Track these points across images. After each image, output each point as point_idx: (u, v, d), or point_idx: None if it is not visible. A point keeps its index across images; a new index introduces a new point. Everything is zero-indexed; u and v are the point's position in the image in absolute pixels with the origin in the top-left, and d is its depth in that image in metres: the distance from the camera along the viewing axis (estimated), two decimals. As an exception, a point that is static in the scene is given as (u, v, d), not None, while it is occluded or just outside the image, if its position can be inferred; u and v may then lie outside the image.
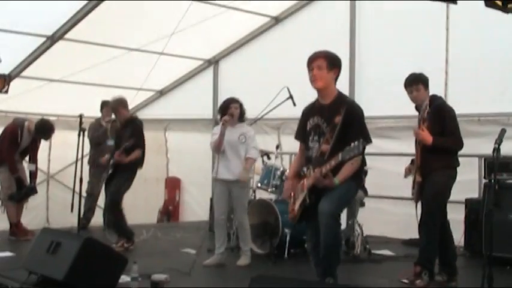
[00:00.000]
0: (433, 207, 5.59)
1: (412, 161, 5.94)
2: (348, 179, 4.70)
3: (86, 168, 7.16)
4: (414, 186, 5.77)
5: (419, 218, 5.72)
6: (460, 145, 5.69)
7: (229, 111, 6.77)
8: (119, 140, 7.67)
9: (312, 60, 4.84)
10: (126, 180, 7.60)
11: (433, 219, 5.59)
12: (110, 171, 7.63)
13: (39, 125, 8.35)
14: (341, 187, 4.65)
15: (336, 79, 4.92)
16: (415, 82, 5.76)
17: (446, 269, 5.79)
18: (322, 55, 4.85)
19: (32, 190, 8.53)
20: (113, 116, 8.51)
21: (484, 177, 7.13)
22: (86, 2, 8.21)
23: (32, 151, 8.55)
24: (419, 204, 5.73)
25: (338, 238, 4.83)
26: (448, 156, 5.66)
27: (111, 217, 7.62)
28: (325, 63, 4.81)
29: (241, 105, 6.88)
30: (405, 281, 5.66)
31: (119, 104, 7.76)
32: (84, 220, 8.86)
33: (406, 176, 6.14)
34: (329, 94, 4.87)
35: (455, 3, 5.77)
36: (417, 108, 5.79)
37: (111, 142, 9.57)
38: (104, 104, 9.41)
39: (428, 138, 5.48)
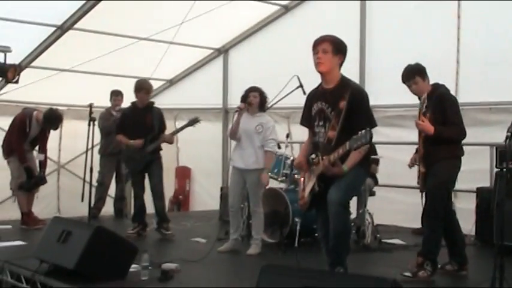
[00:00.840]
0: (435, 198, 5.53)
1: (417, 150, 5.89)
2: (356, 166, 4.68)
3: (96, 157, 7.20)
4: (419, 176, 5.72)
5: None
6: (463, 134, 5.59)
7: (248, 99, 6.77)
8: (137, 124, 7.63)
9: (317, 44, 4.79)
10: (162, 167, 7.82)
11: (435, 210, 5.53)
12: (144, 160, 7.61)
13: (47, 114, 8.36)
14: (349, 174, 4.63)
15: (340, 65, 4.87)
16: (411, 76, 5.65)
17: (456, 258, 5.77)
18: (328, 39, 4.80)
19: (42, 180, 8.57)
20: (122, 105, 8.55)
21: (496, 166, 7.08)
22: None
23: (41, 141, 8.57)
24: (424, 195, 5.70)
25: (347, 226, 4.82)
26: (451, 146, 5.55)
27: (161, 204, 7.82)
28: (330, 47, 4.76)
29: (261, 94, 6.86)
30: (407, 274, 5.56)
31: (150, 87, 7.88)
32: (95, 209, 8.90)
33: (411, 165, 6.11)
34: (333, 79, 4.83)
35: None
36: (420, 98, 5.72)
37: None
38: (113, 94, 9.43)
39: (429, 128, 5.39)
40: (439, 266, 5.67)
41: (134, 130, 7.63)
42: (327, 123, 4.76)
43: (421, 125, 5.43)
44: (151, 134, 7.60)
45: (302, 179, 5.04)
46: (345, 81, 4.85)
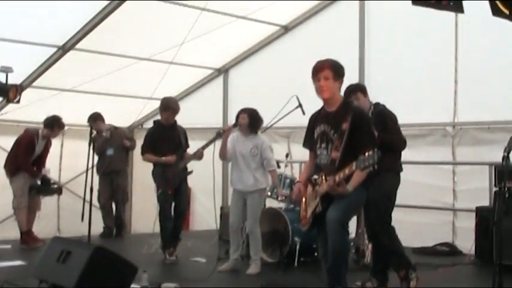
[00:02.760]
0: (380, 209, 5.64)
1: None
2: (357, 186, 4.71)
3: (97, 177, 7.20)
4: None
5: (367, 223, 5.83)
6: (404, 144, 5.85)
7: (237, 122, 6.84)
8: (167, 142, 7.52)
9: (317, 71, 4.84)
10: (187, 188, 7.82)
11: (383, 218, 5.67)
12: (178, 178, 7.53)
13: (48, 122, 8.62)
14: (350, 194, 4.65)
15: (340, 88, 4.94)
16: (353, 92, 5.85)
17: (377, 275, 5.84)
18: (328, 65, 4.84)
19: (59, 190, 8.97)
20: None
21: (495, 185, 7.10)
22: (97, 12, 8.27)
23: (43, 157, 8.77)
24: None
25: (346, 246, 4.83)
26: (391, 158, 5.69)
27: (181, 226, 7.77)
28: (331, 74, 4.81)
29: (251, 115, 6.90)
30: None
31: (178, 108, 7.77)
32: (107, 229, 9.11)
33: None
34: (335, 102, 4.89)
35: (463, 12, 5.76)
36: None
37: (110, 151, 9.70)
38: (91, 120, 9.46)
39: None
40: (358, 283, 5.80)
41: (164, 148, 7.46)
42: (330, 145, 4.80)
43: None
44: (180, 151, 7.54)
45: (304, 199, 5.06)
46: (347, 104, 4.94)
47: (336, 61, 4.92)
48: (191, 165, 7.69)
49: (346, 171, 4.53)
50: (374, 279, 5.85)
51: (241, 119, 6.86)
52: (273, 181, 7.04)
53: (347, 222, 4.81)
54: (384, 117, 5.76)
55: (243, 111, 6.92)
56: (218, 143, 7.08)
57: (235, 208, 6.96)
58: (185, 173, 7.60)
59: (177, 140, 7.56)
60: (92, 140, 7.08)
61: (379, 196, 5.57)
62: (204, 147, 7.35)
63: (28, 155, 8.47)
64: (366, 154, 4.32)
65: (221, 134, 7.04)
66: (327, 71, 4.81)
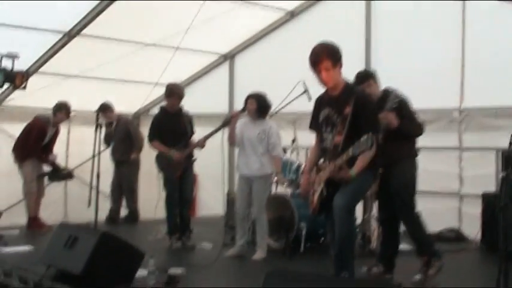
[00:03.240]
0: (405, 197, 5.66)
1: None
2: (363, 170, 4.72)
3: (103, 163, 7.19)
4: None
5: (380, 208, 5.92)
6: (422, 130, 5.82)
7: (245, 107, 6.85)
8: (173, 130, 7.47)
9: (316, 63, 4.79)
10: (193, 175, 7.81)
11: (407, 205, 5.68)
12: (182, 166, 7.47)
13: (56, 108, 8.81)
14: (356, 179, 4.66)
15: (341, 69, 4.90)
16: (365, 79, 5.83)
17: (383, 261, 5.88)
18: (325, 55, 4.78)
19: (70, 175, 9.13)
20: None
21: (501, 171, 7.08)
22: (102, -2, 8.27)
23: (51, 144, 8.91)
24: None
25: (352, 231, 4.85)
26: (410, 144, 5.76)
27: (189, 214, 7.75)
28: (330, 63, 4.76)
29: (259, 100, 6.90)
30: (419, 276, 5.63)
31: (183, 93, 7.73)
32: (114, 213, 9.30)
33: None
34: (338, 86, 4.89)
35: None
36: None
37: (112, 142, 9.77)
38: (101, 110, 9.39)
39: (394, 120, 5.55)
40: (365, 268, 5.84)
41: (170, 136, 7.42)
42: (334, 129, 4.81)
43: (387, 116, 5.52)
44: (185, 138, 7.50)
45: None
46: (349, 88, 4.92)
47: (330, 46, 4.85)
48: (197, 152, 7.70)
49: (344, 156, 4.54)
50: (381, 265, 5.88)
51: (249, 104, 6.86)
52: (276, 166, 6.98)
53: (353, 208, 4.83)
54: (399, 104, 5.68)
55: (251, 96, 6.92)
56: (226, 130, 7.09)
57: (241, 194, 6.97)
58: (190, 160, 7.57)
59: (183, 127, 7.51)
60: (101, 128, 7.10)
61: (401, 185, 5.63)
62: (207, 137, 7.35)
63: (39, 142, 8.60)
64: (361, 139, 4.33)
65: (229, 120, 7.03)
66: (326, 61, 4.77)
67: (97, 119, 7.08)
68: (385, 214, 5.94)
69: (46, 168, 8.92)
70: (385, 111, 5.54)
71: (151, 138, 7.59)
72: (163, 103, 7.80)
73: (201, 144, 7.41)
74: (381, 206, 6.00)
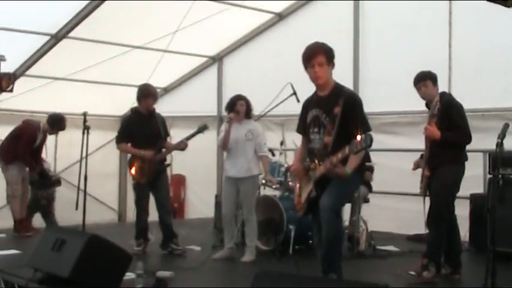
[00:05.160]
0: (440, 202, 5.67)
1: (422, 155, 6.00)
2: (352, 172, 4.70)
3: (91, 166, 7.14)
4: (422, 180, 5.85)
5: (427, 212, 5.78)
6: (468, 139, 5.77)
7: (235, 108, 6.82)
8: (145, 132, 7.17)
9: (311, 57, 4.81)
10: (168, 179, 7.55)
11: (440, 213, 5.67)
12: (154, 170, 7.18)
13: (51, 120, 8.64)
14: (343, 181, 4.65)
15: (332, 71, 4.91)
16: (423, 79, 5.85)
17: (450, 262, 5.88)
18: (321, 50, 4.82)
19: (58, 182, 9.04)
20: None
21: (489, 173, 7.12)
22: (90, 0, 8.22)
23: (40, 149, 8.80)
24: (427, 199, 5.82)
25: (339, 233, 4.84)
26: (456, 151, 5.74)
27: (171, 219, 7.35)
28: (325, 59, 4.80)
29: (247, 102, 6.92)
30: (413, 273, 5.77)
31: (157, 93, 7.53)
32: None
33: (414, 168, 6.18)
34: (327, 86, 4.89)
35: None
36: (427, 105, 5.85)
37: None
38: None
39: (436, 133, 5.56)
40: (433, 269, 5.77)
41: (143, 139, 7.12)
42: (322, 129, 4.80)
43: (428, 130, 5.58)
44: (159, 141, 7.23)
45: (298, 184, 5.07)
46: (338, 88, 4.91)
47: (326, 45, 4.89)
48: (184, 154, 7.62)
49: (340, 155, 4.52)
50: (447, 266, 5.89)
51: (240, 106, 6.85)
52: (263, 167, 6.98)
53: (340, 210, 4.83)
54: (450, 109, 5.65)
55: (241, 98, 6.91)
56: (210, 133, 7.04)
57: (227, 197, 6.93)
58: (163, 165, 7.31)
59: (156, 130, 7.20)
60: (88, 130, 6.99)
61: (439, 188, 5.67)
62: (188, 138, 7.15)
63: (28, 147, 8.50)
64: (359, 137, 4.32)
65: (205, 126, 7.08)
66: (321, 56, 4.79)
67: (84, 122, 7.04)
68: None
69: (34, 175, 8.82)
70: (430, 123, 5.56)
71: (119, 140, 7.33)
72: (136, 105, 7.39)
73: (183, 146, 7.19)
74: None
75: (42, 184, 8.82)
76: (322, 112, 4.83)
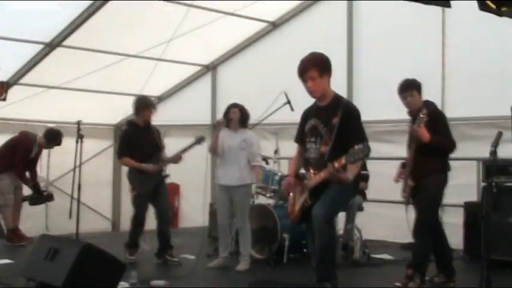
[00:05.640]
0: (426, 212, 5.70)
1: (403, 164, 5.99)
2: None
3: (84, 175, 7.12)
4: (405, 190, 5.87)
5: (412, 222, 5.81)
6: (454, 146, 5.80)
7: (228, 115, 6.83)
8: (145, 144, 7.20)
9: (302, 73, 4.81)
10: (167, 189, 7.55)
11: (426, 223, 5.69)
12: (153, 181, 7.23)
13: (48, 135, 8.67)
14: (336, 190, 4.66)
15: (329, 79, 4.90)
16: (409, 88, 5.83)
17: (443, 270, 5.90)
18: (312, 65, 4.79)
19: (51, 197, 8.96)
20: None
21: (483, 181, 7.13)
22: (84, 9, 8.22)
23: (35, 160, 8.79)
24: (410, 208, 5.84)
25: (332, 242, 4.83)
26: (440, 160, 5.76)
27: (169, 229, 7.36)
28: (316, 73, 4.77)
29: (242, 110, 6.92)
30: (398, 284, 5.72)
31: (155, 104, 7.58)
32: None
33: (396, 180, 6.17)
34: (326, 96, 4.90)
35: (449, 6, 5.77)
36: (411, 113, 5.85)
37: None
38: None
39: (426, 135, 5.54)
40: (427, 278, 5.80)
41: (141, 151, 7.12)
42: (318, 139, 4.82)
43: (420, 130, 5.53)
44: (157, 153, 7.27)
45: (291, 193, 5.07)
46: (337, 99, 4.92)
47: (318, 56, 4.87)
48: (178, 164, 7.60)
49: (336, 164, 4.53)
50: (441, 274, 5.91)
51: (232, 114, 6.85)
52: (256, 175, 6.97)
53: (333, 219, 4.82)
54: (434, 118, 5.66)
55: (234, 106, 6.92)
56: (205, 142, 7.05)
57: (222, 206, 6.93)
58: (161, 176, 7.32)
59: (153, 142, 7.24)
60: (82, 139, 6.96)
61: (425, 198, 5.69)
62: (183, 151, 7.21)
63: (24, 159, 8.50)
64: (356, 147, 4.33)
65: (202, 137, 7.13)
66: (311, 71, 4.77)
67: (78, 131, 7.02)
68: None
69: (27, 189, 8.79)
70: (417, 124, 5.54)
71: (122, 154, 7.30)
72: (132, 117, 7.40)
73: (176, 159, 7.26)
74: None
75: (34, 200, 8.75)
76: (320, 122, 4.84)
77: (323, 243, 4.66)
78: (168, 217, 7.49)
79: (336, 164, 4.52)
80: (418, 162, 5.67)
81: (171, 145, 11.53)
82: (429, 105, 5.84)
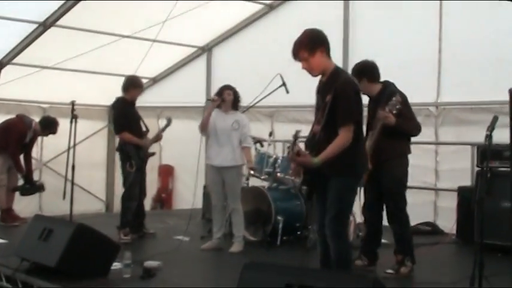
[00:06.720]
0: (397, 196, 5.69)
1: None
2: (341, 175, 4.47)
3: (78, 156, 7.09)
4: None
5: (362, 203, 5.89)
6: (419, 129, 5.78)
7: (222, 97, 6.81)
8: (138, 121, 7.50)
9: (295, 56, 4.63)
10: None
11: (400, 207, 5.70)
12: (145, 157, 7.53)
13: (44, 122, 8.61)
14: (337, 190, 4.49)
15: (327, 53, 4.64)
16: (356, 75, 5.46)
17: (368, 254, 5.94)
18: (299, 46, 4.60)
19: (42, 188, 8.84)
20: None
21: (477, 165, 7.14)
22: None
23: (30, 145, 8.71)
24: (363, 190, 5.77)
25: (347, 253, 4.62)
26: (403, 143, 5.74)
27: (144, 207, 7.76)
28: (306, 53, 4.55)
29: (235, 92, 6.91)
30: (390, 271, 5.68)
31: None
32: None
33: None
34: (326, 71, 4.65)
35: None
36: (368, 95, 5.81)
37: None
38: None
39: (391, 119, 5.48)
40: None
41: (135, 126, 7.42)
42: (319, 116, 4.68)
43: (386, 115, 5.46)
44: (144, 131, 7.57)
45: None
46: (335, 74, 4.63)
47: (305, 35, 4.64)
48: (173, 145, 7.63)
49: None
50: (364, 257, 5.93)
51: (227, 95, 6.84)
52: (246, 156, 6.98)
53: (342, 229, 4.60)
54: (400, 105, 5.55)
55: (228, 87, 6.91)
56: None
57: (214, 187, 6.94)
58: (149, 153, 7.61)
59: (140, 119, 7.57)
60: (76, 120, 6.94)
61: (392, 183, 5.65)
62: (162, 130, 7.61)
63: (18, 145, 8.44)
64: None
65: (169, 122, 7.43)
66: (301, 52, 4.57)
67: (72, 111, 6.99)
68: (370, 209, 5.94)
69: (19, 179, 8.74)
70: (385, 110, 5.47)
71: (122, 128, 7.36)
72: (122, 94, 7.49)
73: (159, 138, 7.72)
74: (367, 201, 5.95)
75: (25, 190, 8.67)
76: (320, 98, 4.68)
77: (338, 255, 4.51)
78: (145, 192, 7.80)
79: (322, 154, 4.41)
80: (381, 145, 5.54)
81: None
82: (388, 86, 5.78)
